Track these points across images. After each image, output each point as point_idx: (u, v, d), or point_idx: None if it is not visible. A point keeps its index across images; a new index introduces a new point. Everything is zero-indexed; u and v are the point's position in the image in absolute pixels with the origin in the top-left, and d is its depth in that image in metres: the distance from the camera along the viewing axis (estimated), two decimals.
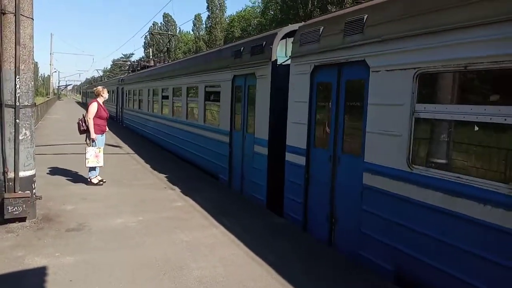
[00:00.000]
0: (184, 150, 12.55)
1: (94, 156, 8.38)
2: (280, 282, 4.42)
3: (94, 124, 8.49)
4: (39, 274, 4.39)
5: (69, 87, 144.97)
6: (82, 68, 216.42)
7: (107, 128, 9.05)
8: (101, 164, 8.55)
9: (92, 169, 8.59)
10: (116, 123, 26.77)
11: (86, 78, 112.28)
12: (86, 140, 8.69)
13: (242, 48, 8.40)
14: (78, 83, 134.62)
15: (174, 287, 4.21)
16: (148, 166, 11.34)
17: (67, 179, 9.09)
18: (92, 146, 8.46)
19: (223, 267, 4.76)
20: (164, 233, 5.85)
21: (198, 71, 11.21)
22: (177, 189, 8.59)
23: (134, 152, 13.85)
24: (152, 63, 23.42)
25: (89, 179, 8.65)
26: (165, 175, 9.99)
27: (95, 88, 9.16)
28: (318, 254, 5.34)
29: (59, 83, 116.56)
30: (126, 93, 24.88)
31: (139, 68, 24.93)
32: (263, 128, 7.37)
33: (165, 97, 15.10)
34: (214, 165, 9.88)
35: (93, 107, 8.58)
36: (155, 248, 5.25)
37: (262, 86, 7.41)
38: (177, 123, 13.22)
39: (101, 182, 8.70)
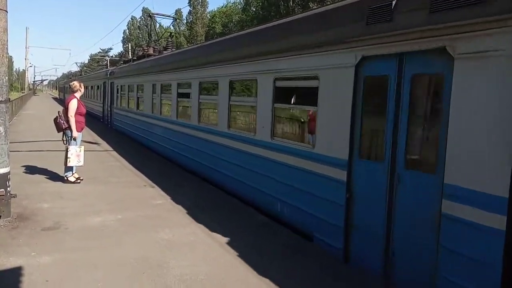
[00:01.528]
0: (224, 176, 8.39)
1: (75, 155, 8.18)
2: (261, 279, 4.43)
3: (75, 121, 8.27)
4: (14, 274, 4.28)
5: (45, 82, 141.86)
6: (59, 63, 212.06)
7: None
8: (82, 163, 8.34)
9: (69, 167, 8.39)
10: (103, 125, 23.05)
11: (63, 73, 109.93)
12: (63, 138, 8.49)
13: (395, 1, 4.41)
14: (54, 78, 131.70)
15: (154, 286, 4.17)
16: (127, 163, 11.18)
17: (43, 177, 8.86)
18: (73, 144, 8.25)
19: (204, 265, 4.74)
20: (144, 232, 5.78)
21: (259, 54, 6.98)
22: (157, 187, 8.50)
23: (112, 149, 13.63)
24: (151, 51, 18.29)
25: (65, 178, 8.44)
26: (144, 173, 9.86)
27: (72, 83, 8.87)
28: None
29: (34, 78, 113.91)
30: (118, 89, 19.97)
31: (135, 58, 20.01)
32: (486, 169, 3.50)
33: (183, 95, 11.02)
34: (301, 213, 5.92)
35: (74, 104, 8.33)
36: (134, 247, 5.19)
37: (481, 76, 3.56)
38: (209, 134, 9.03)
39: (79, 180, 8.50)
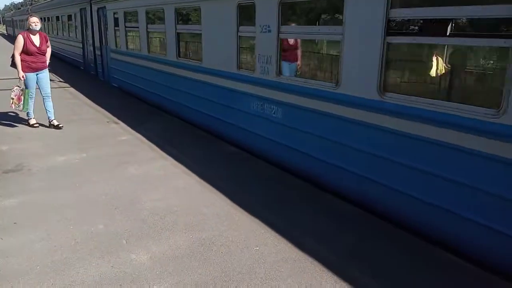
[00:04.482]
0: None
1: (17, 98, 7.34)
2: (233, 206, 4.52)
3: (22, 60, 7.33)
4: None
5: None
6: None
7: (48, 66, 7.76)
8: (21, 108, 7.46)
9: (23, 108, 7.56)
10: (88, 78, 15.31)
11: (5, 5, 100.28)
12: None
13: None
14: None
15: (127, 220, 4.17)
16: (87, 100, 10.70)
17: None
18: (19, 85, 7.39)
19: (176, 197, 4.76)
20: (112, 169, 5.68)
21: None
22: (121, 123, 8.25)
23: (69, 86, 12.94)
24: None
25: (28, 119, 7.86)
26: (107, 109, 9.50)
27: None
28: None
29: None
30: (116, 20, 11.55)
31: None
32: None
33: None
34: None
35: (18, 41, 7.33)
36: (103, 184, 5.10)
37: None
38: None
39: (37, 124, 7.84)
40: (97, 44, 14.20)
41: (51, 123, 7.77)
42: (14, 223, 4.07)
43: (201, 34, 7.24)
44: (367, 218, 4.30)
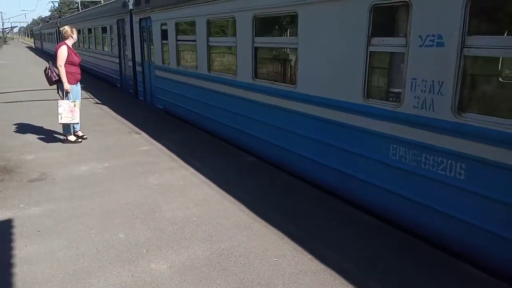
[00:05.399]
0: None
1: (69, 111, 7.16)
2: (252, 217, 4.51)
3: (66, 72, 7.20)
4: (6, 226, 4.26)
5: (15, 30, 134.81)
6: (27, 8, 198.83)
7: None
8: (76, 120, 7.31)
9: (67, 125, 7.50)
10: (127, 98, 13.43)
11: (33, 19, 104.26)
12: (58, 92, 7.48)
13: None
14: (25, 24, 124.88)
15: (147, 229, 4.21)
16: (110, 111, 10.93)
17: (23, 128, 8.63)
18: (66, 99, 7.23)
19: (196, 207, 4.78)
20: (133, 178, 5.75)
21: None
22: (143, 133, 8.38)
23: (101, 102, 13.25)
24: None
25: (64, 138, 7.62)
26: (128, 120, 9.67)
27: (62, 28, 7.67)
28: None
29: (3, 25, 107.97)
30: (163, 32, 10.02)
31: None
32: None
33: None
34: None
35: (63, 52, 7.17)
36: (125, 194, 5.18)
37: None
38: None
39: (80, 140, 7.67)
40: (137, 59, 12.45)
41: (76, 134, 7.79)
42: (38, 231, 4.16)
43: (295, 49, 5.57)
44: (383, 228, 4.22)
